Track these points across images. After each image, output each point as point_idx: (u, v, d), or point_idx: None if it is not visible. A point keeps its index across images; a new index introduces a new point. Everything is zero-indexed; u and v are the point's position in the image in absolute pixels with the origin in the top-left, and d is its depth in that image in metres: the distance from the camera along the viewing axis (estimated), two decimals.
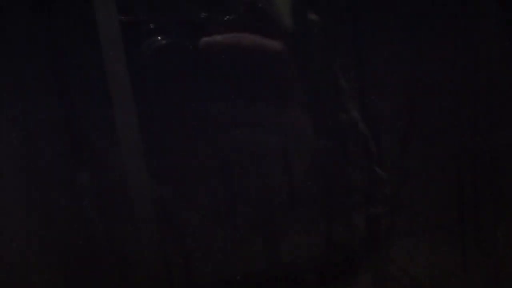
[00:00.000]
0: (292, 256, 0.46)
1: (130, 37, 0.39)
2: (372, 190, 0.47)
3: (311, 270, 0.46)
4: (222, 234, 0.45)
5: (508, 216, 0.49)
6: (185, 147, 0.42)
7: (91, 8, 0.38)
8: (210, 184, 0.43)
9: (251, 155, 0.42)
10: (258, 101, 0.41)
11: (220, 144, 0.42)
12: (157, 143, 0.42)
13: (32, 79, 0.41)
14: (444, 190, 0.48)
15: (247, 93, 0.41)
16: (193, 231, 0.44)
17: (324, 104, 0.45)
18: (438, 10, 0.45)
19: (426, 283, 0.49)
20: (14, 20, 0.39)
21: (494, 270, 0.49)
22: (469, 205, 0.48)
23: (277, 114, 0.42)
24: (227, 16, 0.39)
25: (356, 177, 0.47)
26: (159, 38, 0.39)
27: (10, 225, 0.42)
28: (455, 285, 0.49)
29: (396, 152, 0.47)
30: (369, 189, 0.47)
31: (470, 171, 0.48)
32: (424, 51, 0.46)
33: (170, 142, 0.41)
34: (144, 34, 0.39)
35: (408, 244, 0.48)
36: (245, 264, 0.46)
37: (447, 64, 0.46)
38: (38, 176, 0.42)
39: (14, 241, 0.42)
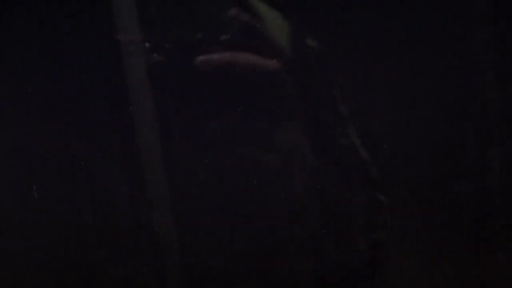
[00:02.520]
0: (291, 281, 0.45)
1: (127, 56, 0.40)
2: (373, 216, 0.47)
3: None
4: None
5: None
6: (179, 164, 0.42)
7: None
8: (206, 202, 0.42)
9: (246, 175, 0.42)
10: (254, 120, 0.41)
11: (214, 162, 0.41)
12: (153, 160, 0.42)
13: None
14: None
15: (243, 111, 0.41)
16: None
17: (323, 128, 0.45)
18: (438, 34, 0.46)
19: None
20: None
21: None
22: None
23: (273, 134, 0.42)
24: (223, 36, 0.40)
25: (357, 202, 0.46)
26: (155, 55, 0.40)
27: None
28: None
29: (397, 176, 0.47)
30: (370, 214, 0.46)
31: (473, 194, 0.47)
32: (425, 76, 0.46)
33: (165, 159, 0.42)
34: (140, 53, 0.40)
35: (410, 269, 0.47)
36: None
37: (448, 88, 0.46)
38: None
39: None
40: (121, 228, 0.44)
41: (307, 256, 0.45)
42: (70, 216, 0.44)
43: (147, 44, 0.40)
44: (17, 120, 0.43)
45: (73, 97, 0.42)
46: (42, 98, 0.42)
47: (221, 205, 0.43)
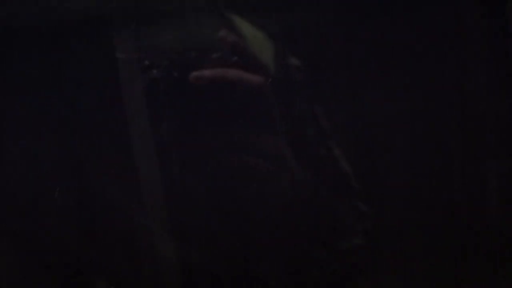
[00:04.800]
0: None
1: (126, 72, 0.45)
2: (353, 225, 0.50)
3: None
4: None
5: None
6: (172, 172, 0.46)
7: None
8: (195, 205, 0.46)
9: (231, 185, 0.46)
10: (238, 132, 0.45)
11: (199, 172, 0.45)
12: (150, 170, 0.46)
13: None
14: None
15: (229, 124, 0.45)
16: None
17: (305, 141, 0.49)
18: (426, 49, 0.50)
19: None
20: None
21: None
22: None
23: (258, 144, 0.46)
24: (213, 54, 0.45)
25: (337, 212, 0.50)
26: (154, 72, 0.44)
27: None
28: None
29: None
30: (351, 223, 0.49)
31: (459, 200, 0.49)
32: (410, 90, 0.50)
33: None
34: (139, 69, 0.45)
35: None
36: None
37: (433, 101, 0.50)
38: None
39: None
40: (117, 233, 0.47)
41: (289, 262, 0.48)
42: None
43: (146, 62, 0.45)
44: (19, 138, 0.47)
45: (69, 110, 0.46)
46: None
47: (207, 214, 0.47)
